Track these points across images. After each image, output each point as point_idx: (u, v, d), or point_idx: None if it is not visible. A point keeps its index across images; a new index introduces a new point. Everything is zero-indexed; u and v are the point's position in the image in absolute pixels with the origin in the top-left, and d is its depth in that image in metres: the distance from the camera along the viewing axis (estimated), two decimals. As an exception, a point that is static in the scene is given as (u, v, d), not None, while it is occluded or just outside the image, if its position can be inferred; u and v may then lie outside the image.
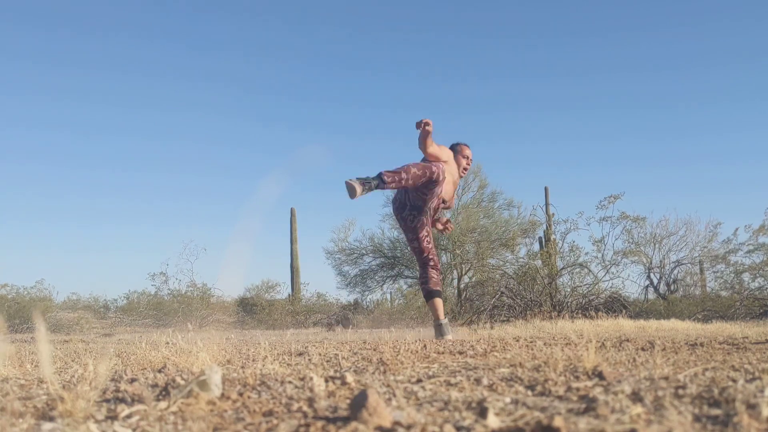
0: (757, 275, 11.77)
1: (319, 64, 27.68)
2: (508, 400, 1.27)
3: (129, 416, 1.16)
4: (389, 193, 18.46)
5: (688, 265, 13.36)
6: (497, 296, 11.19)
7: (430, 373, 1.72)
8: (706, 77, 25.76)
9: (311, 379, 1.46)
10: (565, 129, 25.72)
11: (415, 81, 28.11)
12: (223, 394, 1.32)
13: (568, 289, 11.58)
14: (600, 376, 1.51)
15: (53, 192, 24.67)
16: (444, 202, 4.90)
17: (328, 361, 2.27)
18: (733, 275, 12.24)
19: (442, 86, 27.39)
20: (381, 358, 2.21)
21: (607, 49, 26.75)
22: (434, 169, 4.47)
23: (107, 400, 1.32)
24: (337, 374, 1.62)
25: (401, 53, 28.27)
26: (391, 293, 17.32)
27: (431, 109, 27.97)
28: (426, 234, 4.84)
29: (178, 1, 25.71)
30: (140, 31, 25.38)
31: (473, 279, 15.62)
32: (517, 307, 10.58)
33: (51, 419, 1.14)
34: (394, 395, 1.34)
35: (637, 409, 1.10)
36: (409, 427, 1.01)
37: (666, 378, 1.46)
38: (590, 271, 12.04)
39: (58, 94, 24.55)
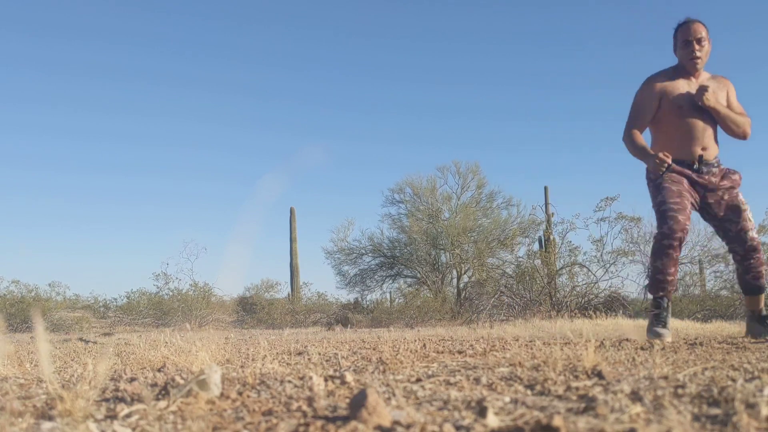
0: (757, 275, 11.76)
1: (318, 68, 27.73)
2: (507, 399, 1.27)
3: (128, 415, 1.16)
4: (388, 193, 18.44)
5: (688, 264, 13.36)
6: (496, 296, 11.19)
7: (430, 372, 1.72)
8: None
9: (311, 378, 1.46)
10: (566, 133, 25.76)
11: (418, 85, 28.18)
12: (222, 394, 1.32)
13: (567, 289, 11.58)
14: (599, 375, 1.51)
15: (58, 196, 24.77)
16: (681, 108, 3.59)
17: (327, 361, 2.27)
18: (732, 275, 12.23)
19: (444, 90, 27.48)
20: (380, 358, 2.21)
21: (608, 57, 26.81)
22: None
23: (107, 400, 1.32)
24: (337, 373, 1.62)
25: (402, 58, 28.31)
26: (390, 292, 17.32)
27: (433, 111, 28.03)
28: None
29: (178, 9, 25.79)
30: (144, 40, 25.52)
31: (472, 278, 15.63)
32: (516, 307, 10.58)
33: (50, 418, 1.14)
34: (394, 394, 1.34)
35: (637, 408, 1.10)
36: (408, 426, 1.01)
37: (665, 377, 1.47)
38: (589, 270, 12.04)
39: (64, 101, 24.76)
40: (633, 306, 11.56)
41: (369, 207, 29.93)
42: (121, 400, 1.31)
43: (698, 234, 13.29)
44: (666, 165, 3.41)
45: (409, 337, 4.19)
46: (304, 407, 1.20)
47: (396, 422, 1.04)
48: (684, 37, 3.59)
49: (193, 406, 1.22)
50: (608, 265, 12.25)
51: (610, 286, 11.97)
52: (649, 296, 3.60)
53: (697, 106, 3.54)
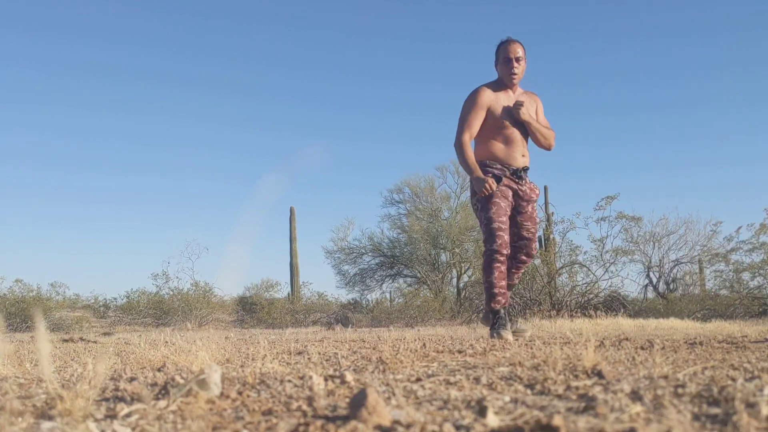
0: (757, 274, 11.75)
1: (318, 68, 27.74)
2: (507, 398, 1.27)
3: (128, 415, 1.16)
4: (387, 194, 18.44)
5: (688, 264, 13.36)
6: (497, 295, 11.16)
7: (430, 372, 1.72)
8: (706, 83, 25.86)
9: (311, 377, 1.46)
10: (566, 132, 25.79)
11: (418, 85, 28.18)
12: (222, 393, 1.32)
13: (567, 288, 11.58)
14: (599, 374, 1.51)
15: (58, 196, 24.79)
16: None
17: (327, 360, 2.27)
18: (732, 274, 12.23)
19: (444, 90, 27.48)
20: (380, 357, 2.21)
21: (607, 55, 26.83)
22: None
23: (106, 399, 1.32)
24: (337, 373, 1.62)
25: (402, 58, 28.31)
26: (390, 292, 17.32)
27: (432, 111, 28.03)
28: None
29: (178, 9, 25.82)
30: (144, 40, 25.56)
31: (472, 278, 15.62)
32: (516, 306, 10.57)
33: (50, 418, 1.14)
34: (394, 394, 1.34)
35: (637, 408, 1.10)
36: (408, 425, 1.01)
37: (665, 377, 1.47)
38: (589, 270, 12.03)
39: (64, 101, 24.78)
40: (633, 305, 11.56)
41: (369, 207, 29.96)
42: (121, 399, 1.31)
43: (698, 234, 13.30)
44: (493, 185, 3.78)
45: (409, 336, 4.19)
46: (304, 407, 1.20)
47: (396, 422, 1.04)
48: (504, 55, 3.92)
49: (193, 405, 1.22)
50: (608, 265, 12.25)
51: (610, 286, 11.98)
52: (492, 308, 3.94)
53: (515, 119, 3.96)
